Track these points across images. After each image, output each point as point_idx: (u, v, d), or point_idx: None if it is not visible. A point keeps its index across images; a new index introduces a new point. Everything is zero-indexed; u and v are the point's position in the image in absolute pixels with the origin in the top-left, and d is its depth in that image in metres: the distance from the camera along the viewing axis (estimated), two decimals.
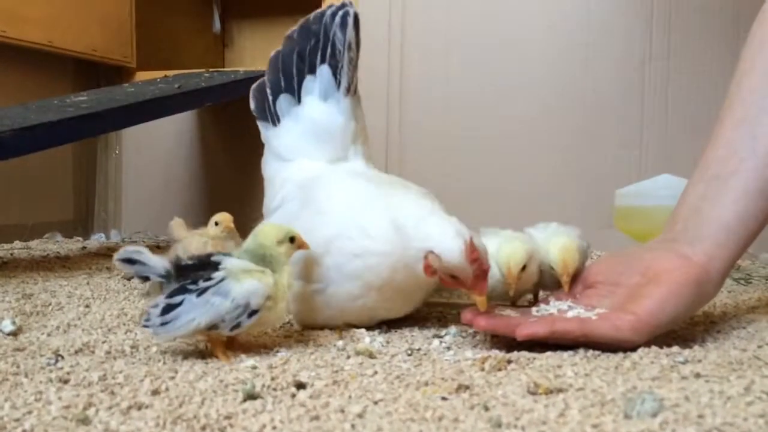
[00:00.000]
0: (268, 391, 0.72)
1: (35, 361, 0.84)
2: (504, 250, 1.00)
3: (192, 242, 1.32)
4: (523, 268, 0.99)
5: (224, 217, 1.37)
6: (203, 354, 0.89)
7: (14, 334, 0.99)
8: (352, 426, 0.62)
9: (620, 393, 0.70)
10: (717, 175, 0.98)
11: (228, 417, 0.64)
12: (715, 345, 0.92)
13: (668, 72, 2.06)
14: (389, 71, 2.18)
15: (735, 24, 1.97)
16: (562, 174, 2.13)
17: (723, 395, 0.67)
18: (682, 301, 0.89)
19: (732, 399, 0.66)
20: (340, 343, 0.95)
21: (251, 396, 0.70)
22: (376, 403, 0.69)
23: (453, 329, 1.01)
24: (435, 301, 1.23)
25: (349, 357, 0.88)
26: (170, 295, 0.85)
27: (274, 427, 0.62)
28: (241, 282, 0.86)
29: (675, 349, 0.86)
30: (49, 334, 1.00)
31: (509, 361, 0.83)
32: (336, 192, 1.06)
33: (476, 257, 0.89)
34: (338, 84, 1.12)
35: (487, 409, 0.66)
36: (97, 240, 2.36)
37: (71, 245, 2.14)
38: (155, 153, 2.52)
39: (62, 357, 0.87)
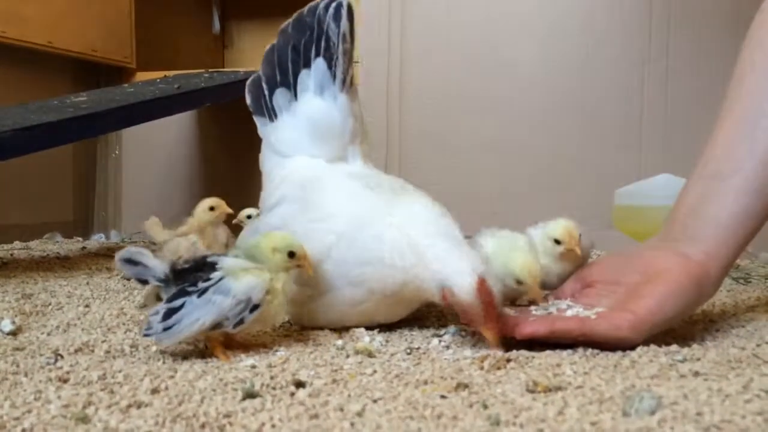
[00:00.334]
0: (267, 390, 0.73)
1: (35, 361, 0.84)
2: (518, 260, 0.99)
3: (180, 244, 1.32)
4: None
5: (219, 202, 1.39)
6: (203, 353, 0.89)
7: (14, 333, 0.99)
8: (351, 424, 0.62)
9: (619, 391, 0.70)
10: (716, 174, 0.98)
11: (227, 415, 0.64)
12: (714, 343, 0.92)
13: (667, 73, 2.07)
14: (389, 71, 2.18)
15: (734, 24, 1.97)
16: (562, 174, 2.13)
17: (721, 393, 0.67)
18: (681, 299, 0.90)
19: (730, 397, 0.66)
20: (339, 342, 0.95)
21: (250, 395, 0.70)
22: (375, 401, 0.69)
23: (452, 328, 1.01)
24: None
25: (348, 356, 0.88)
26: (170, 300, 0.85)
27: (273, 426, 0.62)
28: (240, 279, 0.86)
29: (674, 347, 0.87)
30: (48, 334, 1.00)
31: (508, 360, 0.83)
32: (338, 198, 1.04)
33: (489, 300, 0.87)
34: (333, 76, 1.11)
35: (486, 407, 0.66)
36: (96, 240, 2.36)
37: (71, 245, 2.14)
38: (155, 153, 2.52)
39: (62, 356, 0.87)
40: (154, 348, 0.91)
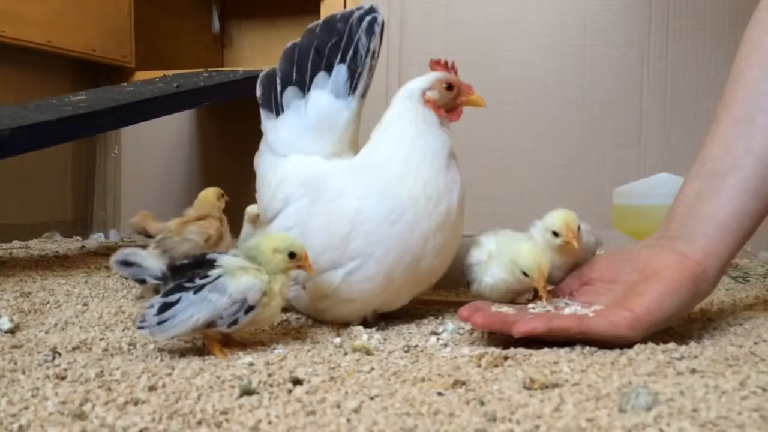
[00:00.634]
0: (264, 387, 0.73)
1: (32, 358, 0.84)
2: (526, 252, 0.99)
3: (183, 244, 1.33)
4: None
5: (217, 191, 1.42)
6: (201, 351, 0.89)
7: (12, 331, 0.99)
8: (348, 420, 0.62)
9: (615, 388, 0.70)
10: (713, 172, 0.98)
11: (224, 412, 0.64)
12: (711, 341, 0.92)
13: (666, 72, 2.07)
14: (388, 71, 2.18)
15: (733, 24, 1.97)
16: (562, 173, 2.13)
17: (718, 390, 0.67)
18: (678, 298, 0.90)
19: (727, 394, 0.66)
20: (337, 340, 0.95)
21: (247, 392, 0.70)
22: (372, 398, 0.69)
23: (450, 326, 1.01)
24: (432, 299, 1.23)
25: (346, 354, 0.88)
26: (166, 294, 0.85)
27: (270, 422, 0.62)
28: (237, 278, 0.86)
29: (671, 345, 0.87)
30: (46, 332, 1.00)
31: (506, 358, 0.83)
32: (348, 178, 1.05)
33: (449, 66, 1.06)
34: (353, 87, 1.11)
35: (482, 403, 0.66)
36: (96, 240, 2.36)
37: (70, 245, 2.14)
38: (154, 153, 2.52)
39: (59, 354, 0.87)
40: (151, 346, 0.91)
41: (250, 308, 0.86)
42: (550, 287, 1.03)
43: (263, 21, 2.90)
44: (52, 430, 0.59)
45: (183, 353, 0.88)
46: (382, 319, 1.07)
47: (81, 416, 0.64)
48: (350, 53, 1.11)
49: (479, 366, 0.81)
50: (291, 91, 1.15)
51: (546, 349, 0.87)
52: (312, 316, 1.10)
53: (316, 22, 1.15)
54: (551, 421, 0.61)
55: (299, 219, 1.06)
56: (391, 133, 1.04)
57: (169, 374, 0.77)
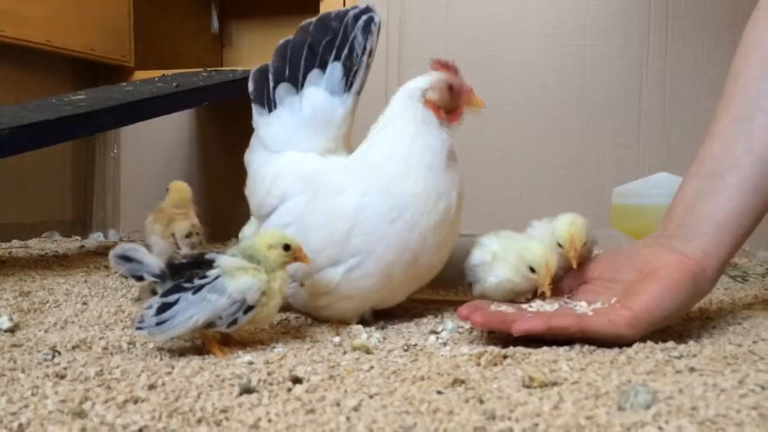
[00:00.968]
0: (264, 386, 0.73)
1: (32, 357, 0.84)
2: (534, 249, 1.01)
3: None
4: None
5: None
6: (200, 350, 0.89)
7: (11, 330, 0.99)
8: (347, 419, 0.62)
9: (615, 386, 0.70)
10: (712, 171, 0.98)
11: (224, 410, 0.64)
12: (710, 340, 0.93)
13: (666, 72, 2.07)
14: (388, 71, 2.18)
15: (731, 24, 1.97)
16: (561, 173, 2.13)
17: (717, 388, 0.68)
18: (677, 297, 0.90)
19: (725, 392, 0.67)
20: (336, 339, 0.95)
21: (247, 390, 0.70)
22: (371, 397, 0.69)
23: (449, 325, 1.01)
24: (432, 299, 1.23)
25: (345, 353, 0.88)
26: (165, 294, 0.85)
27: (269, 420, 0.62)
28: (236, 279, 0.86)
29: (670, 344, 0.87)
30: (46, 331, 1.00)
31: (505, 356, 0.83)
32: (346, 175, 1.06)
33: (453, 68, 1.06)
34: (349, 85, 1.11)
35: (481, 402, 0.66)
36: (95, 239, 2.36)
37: (69, 244, 2.14)
38: (153, 152, 2.52)
39: (59, 353, 0.87)
40: (151, 344, 0.91)
41: (250, 308, 0.86)
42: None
43: (262, 20, 2.90)
44: (52, 429, 0.59)
45: (183, 352, 0.88)
46: (381, 317, 1.07)
47: (81, 414, 0.64)
48: (345, 51, 1.11)
49: (478, 364, 0.81)
50: (284, 88, 1.14)
51: (545, 348, 0.87)
52: (309, 314, 1.10)
53: (309, 20, 1.15)
54: (550, 419, 0.61)
55: (297, 216, 1.06)
56: (391, 132, 1.05)
57: (169, 373, 0.77)
